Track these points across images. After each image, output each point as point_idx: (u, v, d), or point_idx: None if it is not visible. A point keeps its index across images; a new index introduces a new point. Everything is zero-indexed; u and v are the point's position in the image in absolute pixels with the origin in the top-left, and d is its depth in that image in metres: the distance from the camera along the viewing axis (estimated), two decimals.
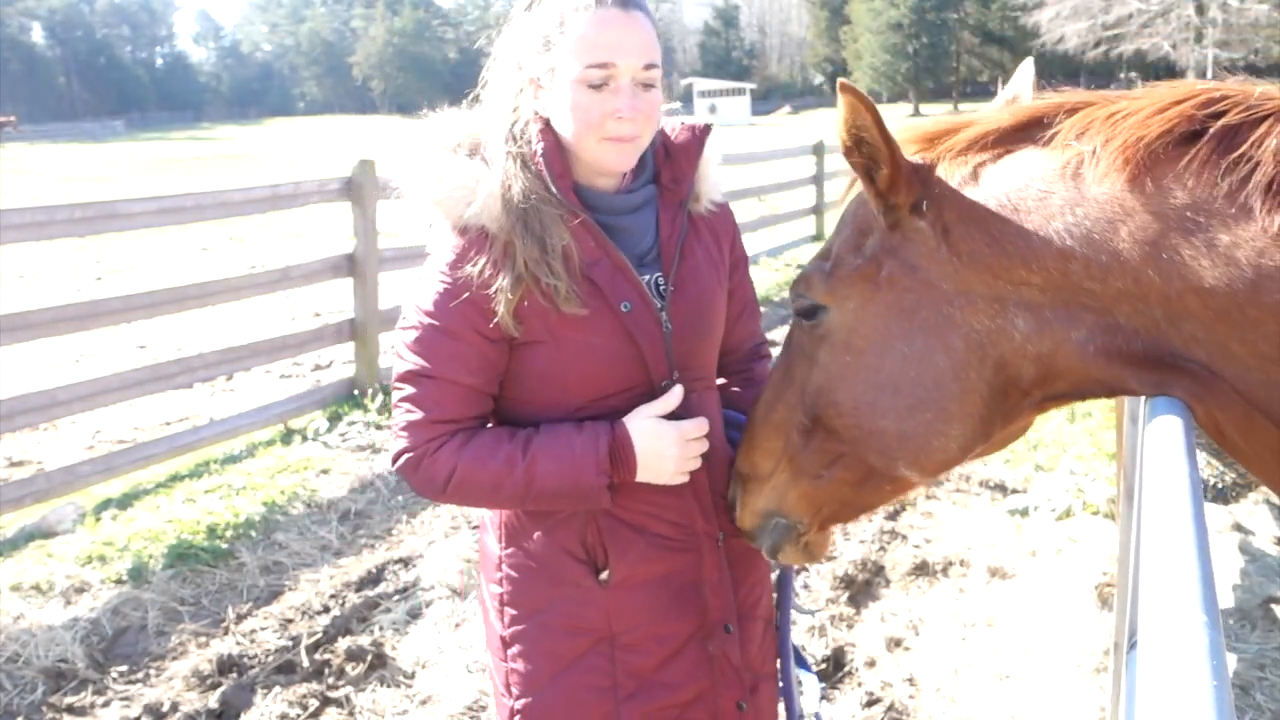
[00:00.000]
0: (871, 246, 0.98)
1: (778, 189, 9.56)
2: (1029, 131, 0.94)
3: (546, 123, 1.12)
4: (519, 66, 1.13)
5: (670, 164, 1.19)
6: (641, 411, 1.14)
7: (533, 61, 1.11)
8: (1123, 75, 58.40)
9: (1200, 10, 24.58)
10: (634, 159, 1.12)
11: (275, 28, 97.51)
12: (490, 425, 1.18)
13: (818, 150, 9.69)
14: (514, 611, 1.21)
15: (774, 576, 1.35)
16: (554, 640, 1.18)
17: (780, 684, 1.34)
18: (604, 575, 1.17)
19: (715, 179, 1.26)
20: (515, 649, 1.21)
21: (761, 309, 1.45)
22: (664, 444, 1.12)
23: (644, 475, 1.13)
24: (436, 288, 1.10)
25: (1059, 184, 0.88)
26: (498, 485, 1.11)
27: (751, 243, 9.25)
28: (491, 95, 1.16)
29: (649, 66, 1.08)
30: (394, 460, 1.14)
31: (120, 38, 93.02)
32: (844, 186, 1.11)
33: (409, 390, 1.12)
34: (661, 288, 1.16)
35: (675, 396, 1.15)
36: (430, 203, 1.12)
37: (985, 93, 66.47)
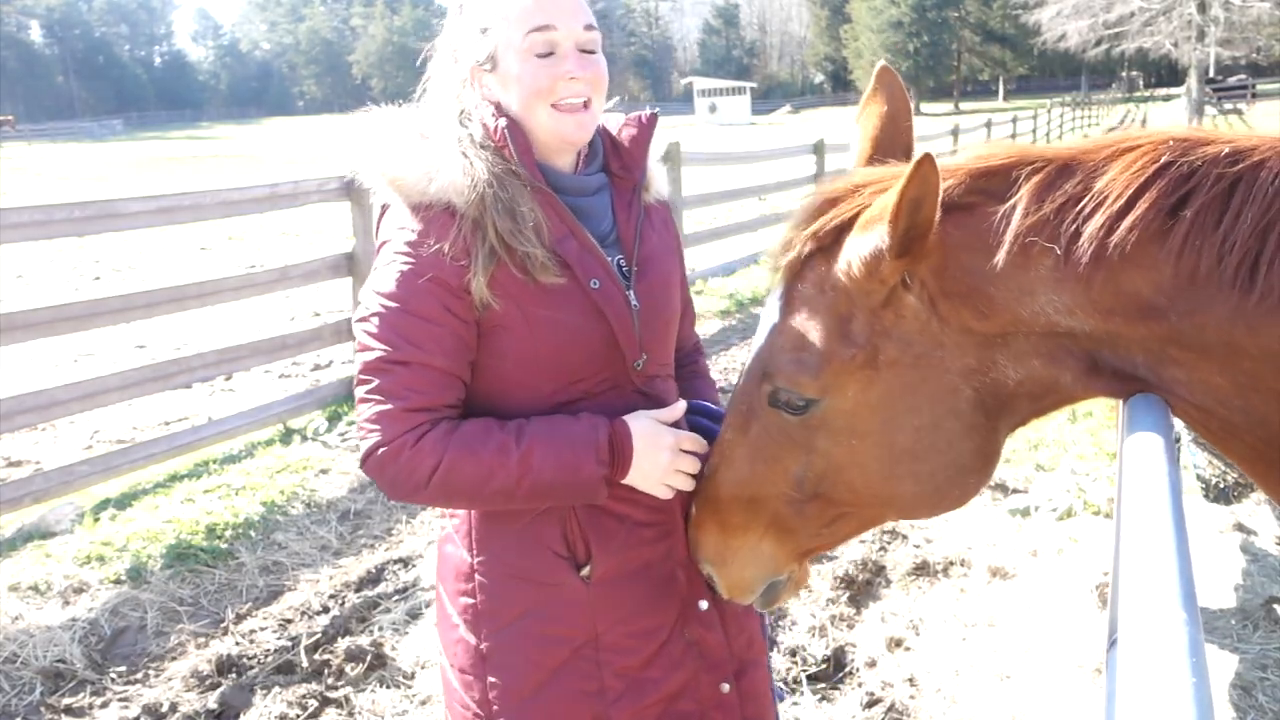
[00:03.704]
0: (861, 332, 0.94)
1: (778, 188, 9.55)
2: (982, 186, 0.91)
3: (498, 105, 1.10)
4: (455, 60, 1.12)
5: (619, 154, 1.19)
6: (643, 412, 1.12)
7: (471, 50, 1.10)
8: (1124, 73, 58.39)
9: (1202, 8, 24.54)
10: (590, 129, 1.11)
11: (274, 26, 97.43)
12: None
13: (818, 149, 9.67)
14: (491, 622, 1.14)
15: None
16: (536, 649, 1.13)
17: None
18: (585, 571, 1.13)
19: (661, 175, 1.26)
20: (495, 662, 1.14)
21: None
22: (660, 446, 1.09)
23: (635, 476, 1.10)
24: (400, 269, 1.05)
25: (1038, 263, 0.87)
26: (489, 476, 1.04)
27: (752, 242, 9.23)
28: (433, 92, 1.15)
29: (589, 27, 1.08)
30: (365, 459, 1.05)
31: (119, 36, 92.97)
32: (856, 153, 1.07)
33: (377, 380, 1.04)
34: (624, 269, 1.15)
35: (679, 409, 1.14)
36: (388, 183, 1.09)
37: (986, 91, 66.49)
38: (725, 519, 1.08)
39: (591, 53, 1.09)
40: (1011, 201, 0.88)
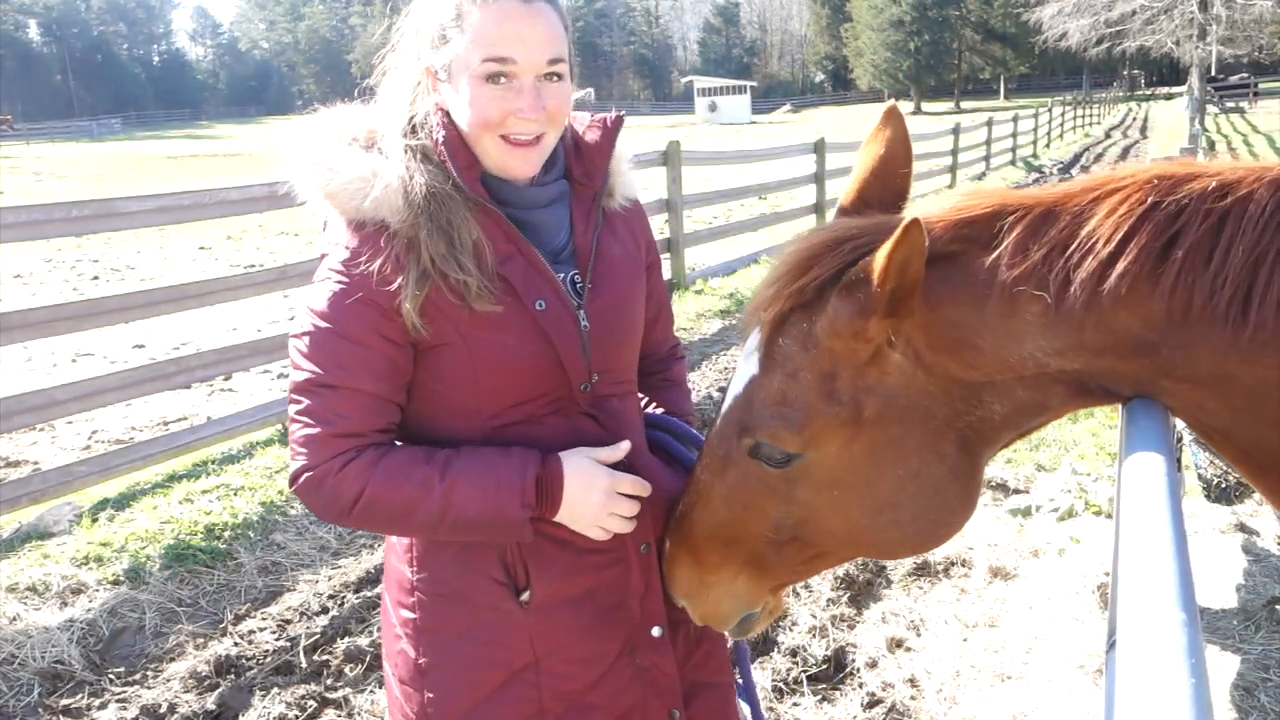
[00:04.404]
0: (845, 389, 0.93)
1: (779, 187, 9.55)
2: (965, 234, 0.90)
3: (448, 114, 1.05)
4: (417, 57, 1.06)
5: (581, 159, 1.13)
6: (581, 451, 1.07)
7: (429, 54, 1.04)
8: (1125, 72, 58.40)
9: (1204, 7, 24.51)
10: (538, 164, 1.06)
11: (273, 25, 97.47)
12: (400, 444, 1.10)
13: (818, 149, 9.67)
14: (430, 639, 1.12)
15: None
16: (475, 669, 1.10)
17: (742, 694, 1.30)
18: (525, 596, 1.10)
19: (628, 177, 1.21)
20: (433, 678, 1.12)
21: None
22: (594, 488, 1.05)
23: (565, 517, 1.06)
24: (332, 288, 1.02)
25: (1026, 310, 0.87)
26: (410, 510, 1.02)
27: (753, 241, 9.23)
28: (389, 87, 1.09)
29: (553, 61, 1.01)
30: (292, 481, 1.03)
31: (117, 35, 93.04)
32: (844, 192, 1.05)
33: (306, 402, 1.02)
34: (578, 285, 1.10)
35: (622, 449, 1.10)
36: (323, 197, 1.04)
37: (987, 90, 66.47)
38: (700, 557, 1.07)
39: (556, 81, 1.03)
40: (996, 251, 0.87)
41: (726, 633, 1.15)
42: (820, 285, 0.93)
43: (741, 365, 1.01)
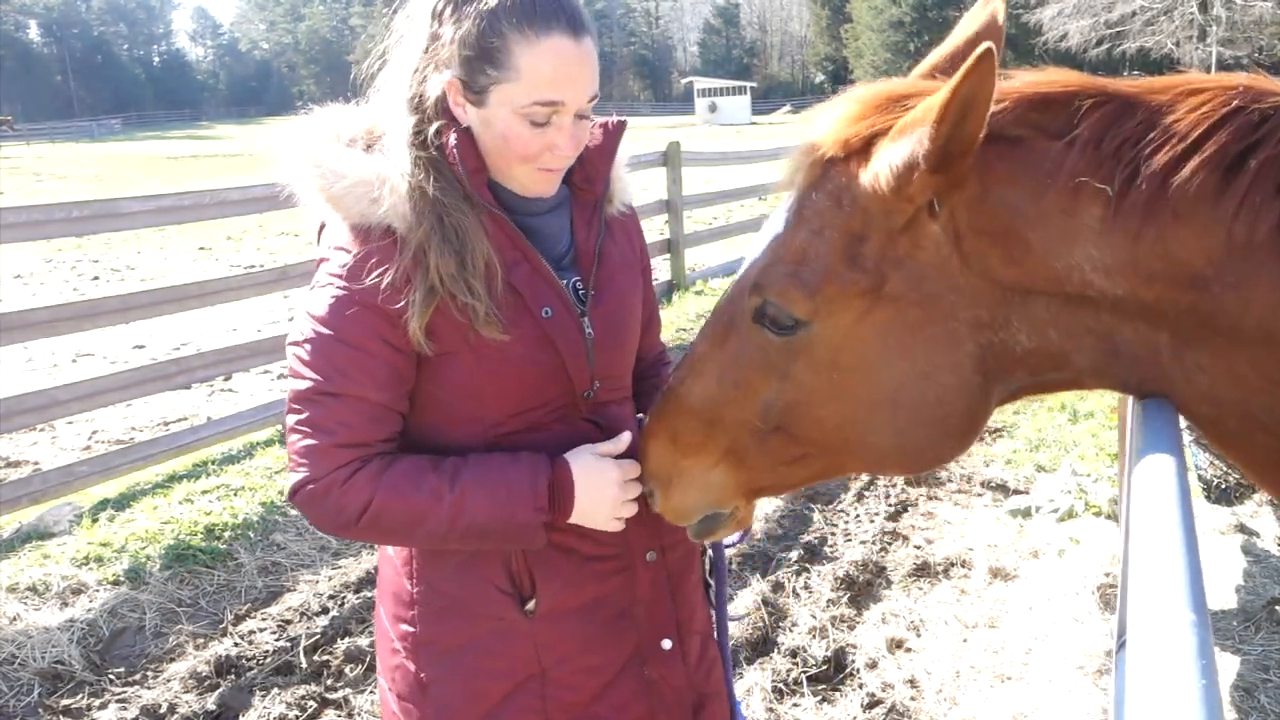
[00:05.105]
0: (872, 256, 0.85)
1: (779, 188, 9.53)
2: (1035, 119, 0.81)
3: (455, 119, 1.02)
4: (434, 65, 1.01)
5: (582, 164, 1.12)
6: (585, 449, 1.06)
7: (458, 65, 0.99)
8: (1126, 73, 58.45)
9: (1204, 8, 24.54)
10: (558, 183, 1.07)
11: (273, 26, 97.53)
12: (403, 454, 1.07)
13: None
14: (431, 652, 1.10)
15: (707, 559, 1.27)
16: (479, 681, 1.09)
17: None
18: (530, 605, 1.08)
19: (626, 182, 1.20)
20: (435, 692, 1.10)
21: None
22: (605, 482, 1.04)
23: (579, 517, 1.05)
24: (334, 294, 0.99)
25: (1086, 210, 0.79)
26: (420, 520, 1.00)
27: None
28: (393, 86, 1.04)
29: (592, 98, 1.02)
30: (292, 493, 1.01)
31: (117, 35, 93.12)
32: (924, 60, 0.96)
33: (307, 412, 0.99)
34: (581, 292, 1.10)
35: (624, 440, 1.08)
36: (326, 201, 1.01)
37: None
38: (681, 436, 1.01)
39: (589, 112, 1.03)
40: (1069, 137, 0.79)
41: (688, 533, 1.10)
42: (870, 136, 0.86)
43: (767, 226, 0.94)
